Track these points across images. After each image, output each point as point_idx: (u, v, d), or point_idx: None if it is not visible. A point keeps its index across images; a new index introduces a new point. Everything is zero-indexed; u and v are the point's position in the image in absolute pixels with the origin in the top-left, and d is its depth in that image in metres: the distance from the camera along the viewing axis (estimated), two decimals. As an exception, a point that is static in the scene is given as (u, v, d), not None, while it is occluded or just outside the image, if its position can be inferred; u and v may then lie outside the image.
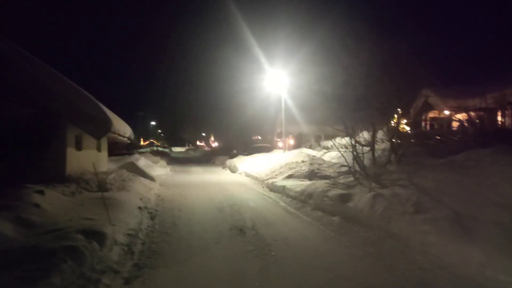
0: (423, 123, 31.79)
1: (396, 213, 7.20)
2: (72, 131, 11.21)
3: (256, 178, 19.55)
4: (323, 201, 10.09)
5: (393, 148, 11.73)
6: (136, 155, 26.00)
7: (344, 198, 9.37)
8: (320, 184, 11.60)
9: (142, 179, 14.01)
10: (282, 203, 11.87)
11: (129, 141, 16.97)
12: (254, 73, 31.71)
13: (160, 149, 71.45)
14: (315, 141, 34.06)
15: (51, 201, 8.19)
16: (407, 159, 12.45)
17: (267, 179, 17.31)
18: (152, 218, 9.07)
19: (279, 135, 42.61)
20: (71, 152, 11.14)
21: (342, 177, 12.66)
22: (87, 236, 5.47)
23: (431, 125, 31.95)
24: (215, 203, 11.74)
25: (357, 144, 12.26)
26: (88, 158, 13.07)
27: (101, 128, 10.27)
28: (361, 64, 11.48)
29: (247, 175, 22.37)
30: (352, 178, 11.70)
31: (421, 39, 14.22)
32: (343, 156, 12.46)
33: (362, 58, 11.42)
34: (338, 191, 10.09)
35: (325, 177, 16.03)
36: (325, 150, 26.90)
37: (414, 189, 8.03)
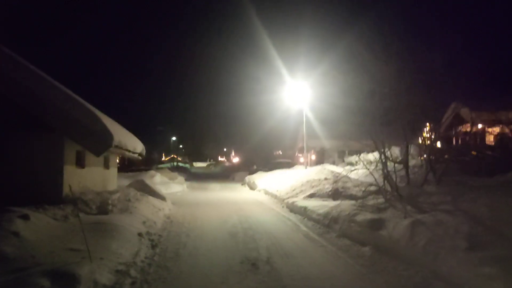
0: (454, 138, 29.88)
1: (444, 248, 5.81)
2: (72, 146, 10.27)
3: (275, 197, 18.31)
4: (350, 227, 8.74)
5: (431, 166, 10.28)
6: (152, 172, 25.14)
7: (375, 225, 8.00)
8: (346, 206, 10.25)
9: (151, 199, 12.94)
10: (303, 227, 10.56)
11: (140, 158, 16.03)
12: (275, 86, 30.59)
13: (180, 164, 70.92)
14: (339, 156, 32.51)
15: (36, 228, 7.16)
16: (446, 178, 10.97)
17: (287, 198, 16.04)
18: (153, 246, 7.90)
19: (301, 150, 41.22)
20: (70, 169, 10.18)
21: (370, 197, 11.25)
22: (55, 280, 4.34)
23: (463, 140, 30.01)
24: (228, 227, 10.54)
25: (386, 161, 10.86)
26: (93, 176, 12.12)
27: (101, 143, 9.27)
28: (390, 71, 10.17)
29: (266, 193, 21.15)
30: (382, 200, 10.30)
31: (456, 45, 12.85)
32: (371, 174, 11.05)
33: (392, 65, 10.11)
34: (368, 216, 8.72)
35: (350, 197, 14.58)
36: (349, 166, 25.40)
37: (463, 217, 6.61)
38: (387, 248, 7.05)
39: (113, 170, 15.06)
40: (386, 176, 10.15)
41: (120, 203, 10.57)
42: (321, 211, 11.13)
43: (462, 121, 29.38)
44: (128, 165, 41.61)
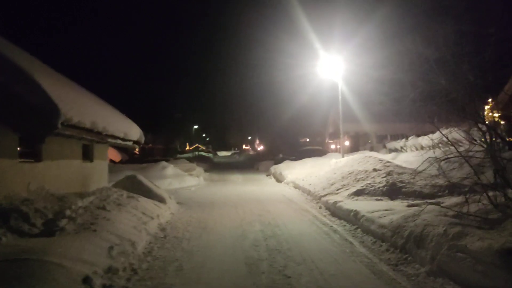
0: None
1: None
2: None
3: (308, 192, 14.66)
4: (455, 260, 4.99)
5: None
6: (163, 163, 21.86)
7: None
8: (432, 215, 6.45)
9: (144, 201, 9.49)
10: (359, 248, 6.91)
11: (137, 146, 12.68)
12: (304, 66, 26.46)
13: (202, 154, 67.92)
14: (378, 142, 28.34)
15: None
16: None
17: (325, 195, 12.38)
18: (106, 304, 4.42)
19: (332, 136, 37.28)
20: (8, 164, 6.82)
21: (447, 197, 7.41)
22: None
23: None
24: (247, 247, 7.02)
25: (494, 143, 6.99)
26: (59, 173, 8.74)
27: (40, 123, 5.85)
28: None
29: (296, 187, 17.54)
30: (484, 202, 6.43)
31: None
32: (467, 162, 7.10)
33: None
34: (489, 240, 4.92)
35: (414, 194, 10.80)
36: (394, 153, 21.41)
37: None
38: None
39: (100, 164, 11.62)
40: (501, 165, 6.22)
41: (85, 214, 7.14)
42: (385, 220, 7.42)
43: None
44: (143, 156, 38.73)
